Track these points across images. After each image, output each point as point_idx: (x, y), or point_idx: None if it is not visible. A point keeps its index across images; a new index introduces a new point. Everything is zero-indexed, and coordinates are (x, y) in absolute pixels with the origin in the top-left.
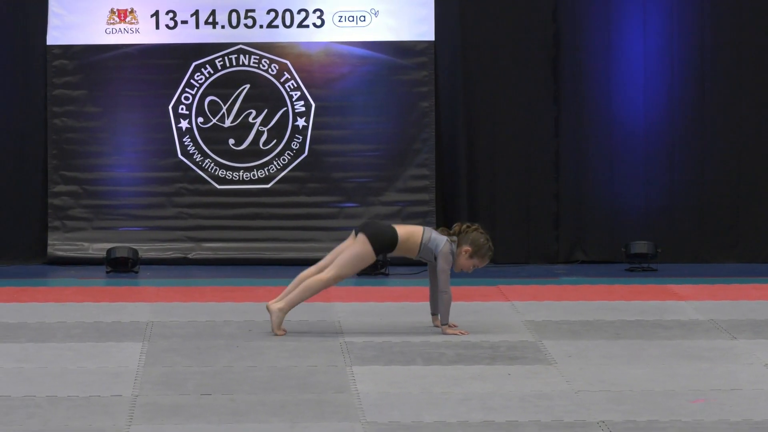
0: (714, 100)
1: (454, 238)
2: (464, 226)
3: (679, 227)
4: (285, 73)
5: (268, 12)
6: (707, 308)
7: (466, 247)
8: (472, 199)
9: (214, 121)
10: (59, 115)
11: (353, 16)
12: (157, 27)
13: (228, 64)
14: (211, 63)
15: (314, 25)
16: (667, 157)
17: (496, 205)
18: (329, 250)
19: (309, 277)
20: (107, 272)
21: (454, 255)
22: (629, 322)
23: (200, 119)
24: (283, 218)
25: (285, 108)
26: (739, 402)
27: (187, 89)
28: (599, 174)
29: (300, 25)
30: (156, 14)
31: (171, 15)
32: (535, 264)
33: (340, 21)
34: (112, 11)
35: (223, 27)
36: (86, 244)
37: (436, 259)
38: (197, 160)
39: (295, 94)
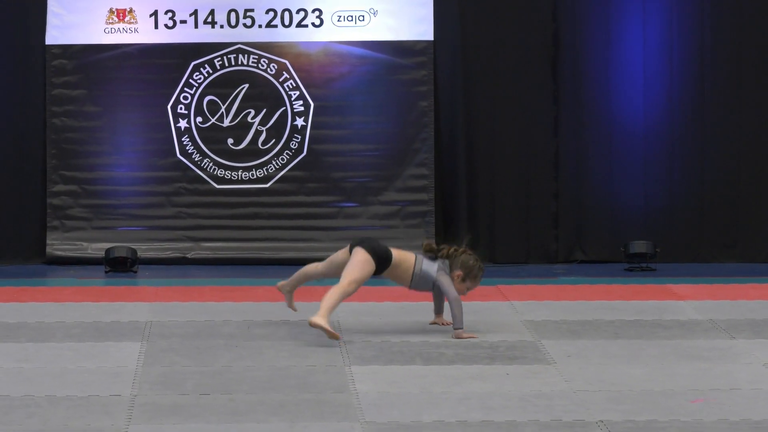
0: (713, 100)
1: (445, 260)
2: (452, 250)
3: (679, 227)
4: (284, 72)
5: (267, 12)
6: (706, 308)
7: (458, 272)
8: (472, 199)
9: (213, 120)
10: (58, 114)
11: (352, 16)
12: (156, 27)
13: (227, 64)
14: (210, 63)
15: (313, 24)
16: (667, 157)
17: (496, 204)
18: (328, 249)
19: (313, 271)
20: (106, 272)
21: (450, 277)
22: (628, 321)
23: (199, 119)
24: (282, 218)
25: (284, 108)
26: (738, 402)
27: (185, 89)
28: (598, 174)
29: (299, 25)
30: (155, 14)
31: (170, 15)
32: (534, 264)
33: (339, 21)
34: (111, 11)
35: (221, 27)
36: (85, 244)
37: (434, 285)
38: (196, 159)
39: (294, 94)
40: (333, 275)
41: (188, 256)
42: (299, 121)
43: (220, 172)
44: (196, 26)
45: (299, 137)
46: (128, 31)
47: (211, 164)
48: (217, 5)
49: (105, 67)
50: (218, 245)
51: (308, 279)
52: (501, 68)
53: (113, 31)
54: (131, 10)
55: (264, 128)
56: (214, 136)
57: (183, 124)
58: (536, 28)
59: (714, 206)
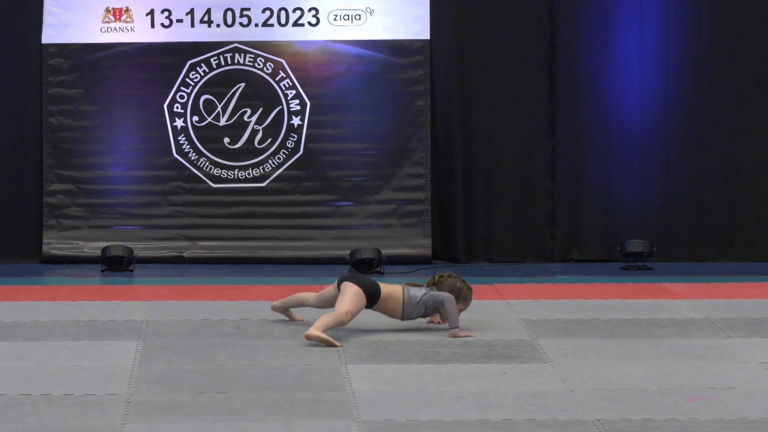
0: (710, 98)
1: (433, 288)
2: (437, 277)
3: (675, 226)
4: (280, 71)
5: (264, 11)
6: (702, 307)
7: None
8: (468, 198)
9: (209, 119)
10: (55, 113)
11: (348, 15)
12: (153, 26)
13: (223, 63)
14: (207, 62)
15: (309, 23)
16: (663, 156)
17: (492, 203)
18: (324, 248)
19: (306, 299)
20: (102, 271)
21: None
22: (624, 320)
23: (195, 118)
24: (278, 217)
25: (280, 107)
26: (734, 400)
27: (182, 88)
28: (595, 173)
29: (295, 24)
30: (151, 13)
31: (166, 14)
32: (530, 262)
33: (335, 20)
34: (107, 10)
35: (218, 26)
36: (81, 243)
37: (425, 309)
38: (192, 158)
39: (291, 93)
40: (324, 308)
41: (184, 255)
42: (296, 120)
43: (216, 171)
44: (192, 25)
45: (295, 136)
46: (124, 30)
47: (207, 163)
48: (213, 4)
49: (101, 66)
50: (214, 244)
51: (300, 305)
52: (498, 67)
53: (110, 30)
54: (127, 9)
55: (260, 127)
56: (210, 135)
57: (179, 123)
58: (533, 27)
59: (710, 205)
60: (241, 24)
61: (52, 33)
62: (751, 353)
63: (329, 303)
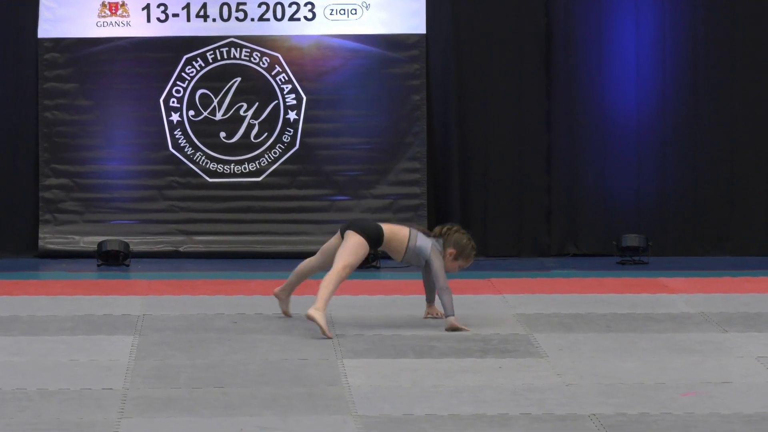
0: (706, 94)
1: (439, 239)
2: (445, 229)
3: (671, 221)
4: (276, 66)
5: (260, 5)
6: (698, 301)
7: (451, 250)
8: (464, 193)
9: (205, 114)
10: (50, 108)
11: (344, 9)
12: (149, 20)
13: (219, 57)
14: (203, 56)
15: (305, 18)
16: (659, 151)
17: (488, 198)
18: (320, 243)
19: (308, 267)
20: (98, 265)
21: (443, 255)
22: (620, 315)
23: (191, 112)
24: (274, 211)
25: (276, 101)
26: (730, 395)
27: (178, 82)
28: (591, 167)
29: (291, 18)
30: (147, 7)
31: (162, 8)
32: (526, 257)
33: (331, 14)
34: (103, 4)
35: (214, 20)
36: (77, 238)
37: (426, 262)
38: (188, 153)
39: (287, 87)
40: (329, 264)
41: (180, 249)
42: (291, 115)
43: (212, 166)
44: (188, 20)
45: (291, 131)
46: (120, 24)
47: (203, 158)
48: None
49: (97, 60)
50: (210, 239)
51: (304, 277)
52: (494, 62)
53: (105, 24)
54: (123, 4)
55: (256, 122)
56: (206, 130)
57: (175, 117)
58: (529, 22)
59: (706, 200)
60: (237, 18)
61: (48, 27)
62: (747, 348)
63: (333, 257)
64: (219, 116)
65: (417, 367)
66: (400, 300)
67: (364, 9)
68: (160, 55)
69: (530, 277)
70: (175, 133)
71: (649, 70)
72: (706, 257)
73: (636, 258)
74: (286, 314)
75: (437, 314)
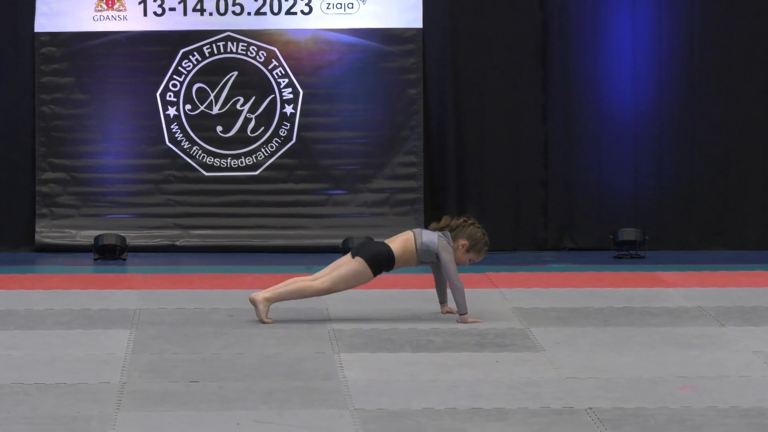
0: (702, 88)
1: (446, 231)
2: (461, 221)
3: (667, 215)
4: (273, 60)
5: None
6: (695, 295)
7: (463, 242)
8: (461, 186)
9: (202, 108)
10: (47, 102)
11: (341, 4)
12: (145, 14)
13: (216, 52)
14: (199, 50)
15: (302, 12)
16: (656, 145)
17: (485, 192)
18: (317, 237)
19: (301, 281)
20: (95, 259)
21: (452, 248)
22: (617, 309)
23: (188, 106)
24: (270, 205)
25: (273, 95)
26: (726, 389)
27: (174, 76)
28: (587, 161)
29: (288, 12)
30: (144, 1)
31: (159, 2)
32: (523, 251)
33: (327, 8)
34: None
35: (210, 14)
36: (74, 232)
37: (437, 256)
38: (185, 147)
39: (283, 81)
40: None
41: (177, 243)
42: (288, 109)
43: (209, 160)
44: (185, 14)
45: (288, 125)
46: (117, 18)
47: (200, 152)
48: None
49: (94, 54)
50: (207, 233)
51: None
52: (490, 56)
53: (102, 18)
54: None
55: (253, 116)
56: (203, 124)
57: (172, 111)
58: (525, 15)
59: (703, 194)
60: (233, 12)
61: (45, 21)
62: (744, 342)
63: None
64: (216, 110)
65: (414, 361)
66: (397, 294)
67: (361, 3)
68: (156, 49)
69: (527, 271)
70: (172, 127)
71: (646, 64)
72: (702, 251)
73: (633, 252)
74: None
75: (453, 311)
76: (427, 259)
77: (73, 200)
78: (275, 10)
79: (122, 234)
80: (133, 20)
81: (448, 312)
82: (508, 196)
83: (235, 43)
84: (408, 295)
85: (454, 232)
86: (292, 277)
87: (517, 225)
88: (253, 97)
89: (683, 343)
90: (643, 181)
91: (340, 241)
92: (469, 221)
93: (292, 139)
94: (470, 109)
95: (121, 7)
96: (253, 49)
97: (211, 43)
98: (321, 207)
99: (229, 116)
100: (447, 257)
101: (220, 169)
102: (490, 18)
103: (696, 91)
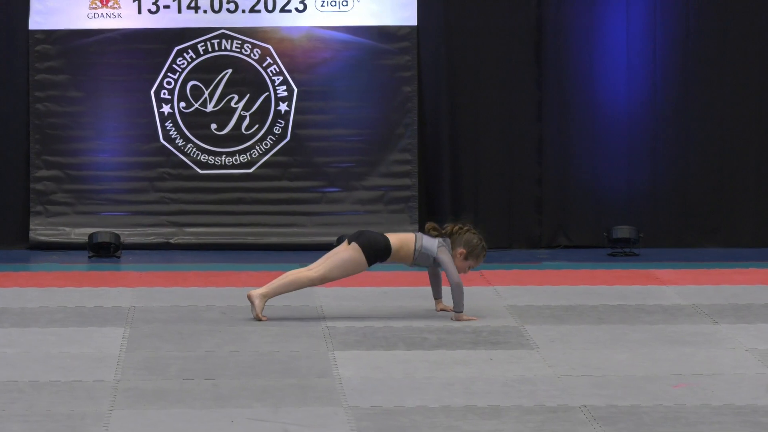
0: (697, 85)
1: (446, 238)
2: (456, 227)
3: (662, 212)
4: (267, 57)
5: None
6: (689, 293)
7: (461, 249)
8: (455, 184)
9: (197, 105)
10: (41, 100)
11: (335, 1)
12: (140, 12)
13: (210, 49)
14: (194, 48)
15: (296, 9)
16: (650, 142)
17: (479, 189)
18: (311, 234)
19: (295, 272)
20: (89, 257)
21: (452, 255)
22: (612, 306)
23: (182, 104)
24: (265, 203)
25: (267, 93)
26: (721, 387)
27: (169, 74)
28: (582, 159)
29: (282, 10)
30: None
31: (153, 0)
32: (517, 249)
33: (322, 6)
34: None
35: (205, 12)
36: (68, 229)
37: (434, 261)
38: (179, 144)
39: (278, 79)
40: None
41: (171, 241)
42: (283, 107)
43: (203, 158)
44: (179, 11)
45: (283, 122)
46: (111, 16)
47: (194, 149)
48: None
49: (88, 52)
50: (201, 230)
51: (295, 289)
52: (485, 53)
53: (96, 16)
54: None
55: (247, 113)
56: (197, 122)
57: (166, 109)
58: (520, 12)
59: (697, 191)
60: (228, 10)
61: (39, 19)
62: (738, 339)
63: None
64: (210, 108)
65: (408, 359)
66: (391, 292)
67: (355, 1)
68: (151, 47)
69: (521, 268)
70: (166, 124)
71: (640, 61)
72: (697, 248)
73: (627, 249)
74: (260, 318)
75: (448, 309)
76: (423, 263)
77: (68, 198)
78: (269, 7)
79: (117, 232)
80: (127, 18)
81: (442, 309)
82: (503, 193)
83: (229, 41)
84: (402, 292)
85: (452, 239)
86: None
87: (511, 222)
88: (248, 95)
89: (677, 340)
90: (637, 178)
91: (335, 238)
92: (465, 227)
93: (286, 137)
94: (465, 107)
95: (115, 5)
96: (247, 46)
97: (205, 41)
98: (315, 205)
99: (224, 114)
100: (447, 259)
101: (214, 166)
102: (484, 15)
103: (690, 88)
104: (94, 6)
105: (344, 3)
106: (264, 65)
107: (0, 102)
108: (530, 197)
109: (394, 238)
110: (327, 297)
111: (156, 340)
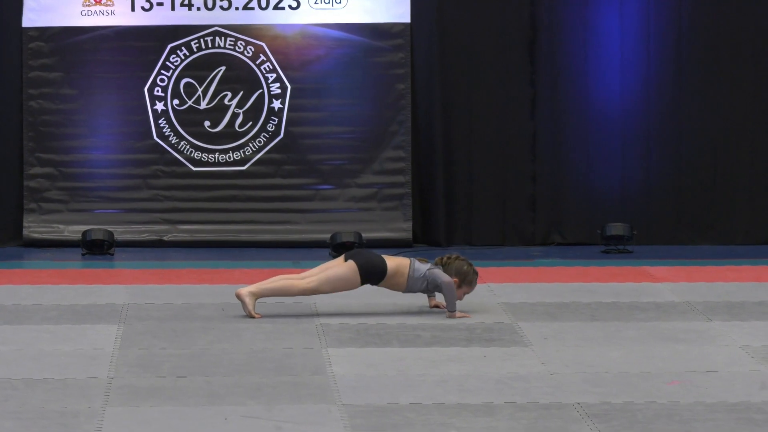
0: (691, 82)
1: (439, 266)
2: (445, 258)
3: (655, 209)
4: (261, 55)
5: None
6: (683, 290)
7: (454, 279)
8: (449, 181)
9: (190, 103)
10: (35, 97)
11: None
12: (133, 9)
13: (204, 46)
14: (187, 45)
15: (290, 7)
16: (644, 140)
17: (473, 186)
18: (305, 232)
19: (288, 279)
20: (83, 254)
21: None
22: (605, 304)
23: (176, 101)
24: (258, 200)
25: (261, 90)
26: (714, 384)
27: (162, 71)
28: (576, 156)
29: (276, 7)
30: None
31: None
32: (511, 246)
33: (315, 3)
34: None
35: (198, 9)
36: (62, 227)
37: (427, 285)
38: (173, 142)
39: (271, 76)
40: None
41: (165, 238)
42: (276, 104)
43: (196, 155)
44: (172, 8)
45: (276, 120)
46: (105, 13)
47: (187, 147)
48: None
49: (82, 49)
50: (195, 228)
51: (285, 295)
52: (478, 51)
53: (90, 13)
54: None
55: (241, 111)
56: (190, 119)
57: (160, 106)
58: (513, 10)
59: (691, 189)
60: (221, 7)
61: (33, 16)
62: (732, 336)
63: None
64: (203, 105)
65: (402, 356)
66: (384, 289)
67: None
68: (144, 44)
69: (515, 266)
70: (160, 122)
71: (634, 58)
72: (690, 246)
73: (620, 247)
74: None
75: (441, 305)
76: (416, 288)
77: (61, 195)
78: (263, 4)
79: (110, 229)
80: (120, 15)
81: (435, 306)
82: (496, 190)
83: (222, 38)
84: None
85: (440, 268)
86: (279, 272)
87: (504, 220)
88: (241, 92)
89: (671, 337)
90: (630, 175)
91: (328, 236)
92: (453, 256)
93: (280, 134)
94: (458, 104)
95: (108, 2)
96: (240, 44)
97: (198, 38)
98: (309, 202)
99: (217, 111)
100: (438, 271)
101: (207, 164)
102: (478, 13)
103: (684, 85)
104: (87, 3)
105: (337, 0)
106: (257, 62)
107: None
108: (524, 194)
109: (391, 263)
110: (321, 294)
111: (149, 338)
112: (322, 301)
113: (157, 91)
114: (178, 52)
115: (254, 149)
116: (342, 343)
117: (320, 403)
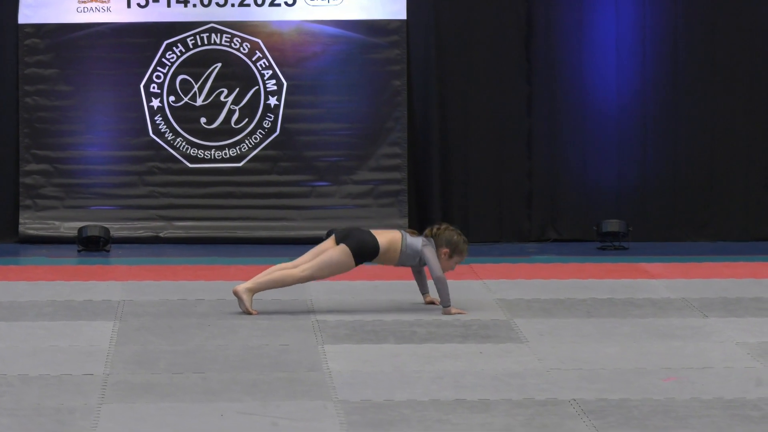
0: (686, 79)
1: (430, 239)
2: (435, 229)
3: (651, 206)
4: (257, 51)
5: None
6: (679, 287)
7: (444, 249)
8: (445, 178)
9: (186, 99)
10: (31, 93)
11: None
12: (129, 5)
13: (199, 43)
14: (183, 42)
15: (286, 3)
16: (640, 137)
17: (469, 183)
18: (301, 228)
19: (282, 270)
20: (79, 251)
21: (438, 255)
22: (601, 300)
23: (172, 98)
24: (254, 197)
25: (257, 87)
26: (710, 380)
27: (158, 68)
28: (572, 153)
29: (272, 4)
30: None
31: None
32: (507, 242)
33: None
34: None
35: (194, 5)
36: (58, 223)
37: (420, 258)
38: (169, 138)
39: (267, 73)
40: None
41: (161, 235)
42: (272, 101)
43: (192, 152)
44: (168, 5)
45: (272, 116)
46: (101, 10)
47: (183, 143)
48: None
49: (78, 46)
50: (191, 224)
51: (281, 286)
52: (474, 47)
53: (86, 10)
54: None
55: (237, 107)
56: (186, 116)
57: (156, 103)
58: (509, 7)
59: (686, 185)
60: (217, 4)
61: (29, 13)
62: (728, 333)
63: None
64: (199, 102)
65: (398, 353)
66: (380, 285)
67: None
68: (140, 41)
69: (511, 262)
70: (156, 118)
71: (630, 55)
72: (686, 242)
73: (616, 243)
74: (248, 310)
75: (436, 302)
76: (408, 263)
77: (57, 192)
78: (259, 1)
79: (106, 225)
80: (116, 12)
81: (430, 302)
82: (492, 187)
83: (218, 35)
84: (392, 286)
85: (433, 241)
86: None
87: (501, 216)
88: (237, 89)
89: (667, 334)
90: (626, 172)
91: (324, 232)
92: (443, 227)
93: (276, 131)
94: (454, 101)
95: None
96: (236, 40)
97: (194, 35)
98: (305, 199)
99: (213, 108)
100: (430, 255)
101: (203, 160)
102: (474, 9)
103: (679, 83)
104: (83, 0)
105: None
106: (253, 59)
107: None
108: (520, 191)
109: (383, 239)
110: (317, 291)
111: (145, 334)
112: (318, 298)
113: (153, 87)
114: (174, 48)
115: (250, 146)
116: (338, 339)
117: (316, 400)
